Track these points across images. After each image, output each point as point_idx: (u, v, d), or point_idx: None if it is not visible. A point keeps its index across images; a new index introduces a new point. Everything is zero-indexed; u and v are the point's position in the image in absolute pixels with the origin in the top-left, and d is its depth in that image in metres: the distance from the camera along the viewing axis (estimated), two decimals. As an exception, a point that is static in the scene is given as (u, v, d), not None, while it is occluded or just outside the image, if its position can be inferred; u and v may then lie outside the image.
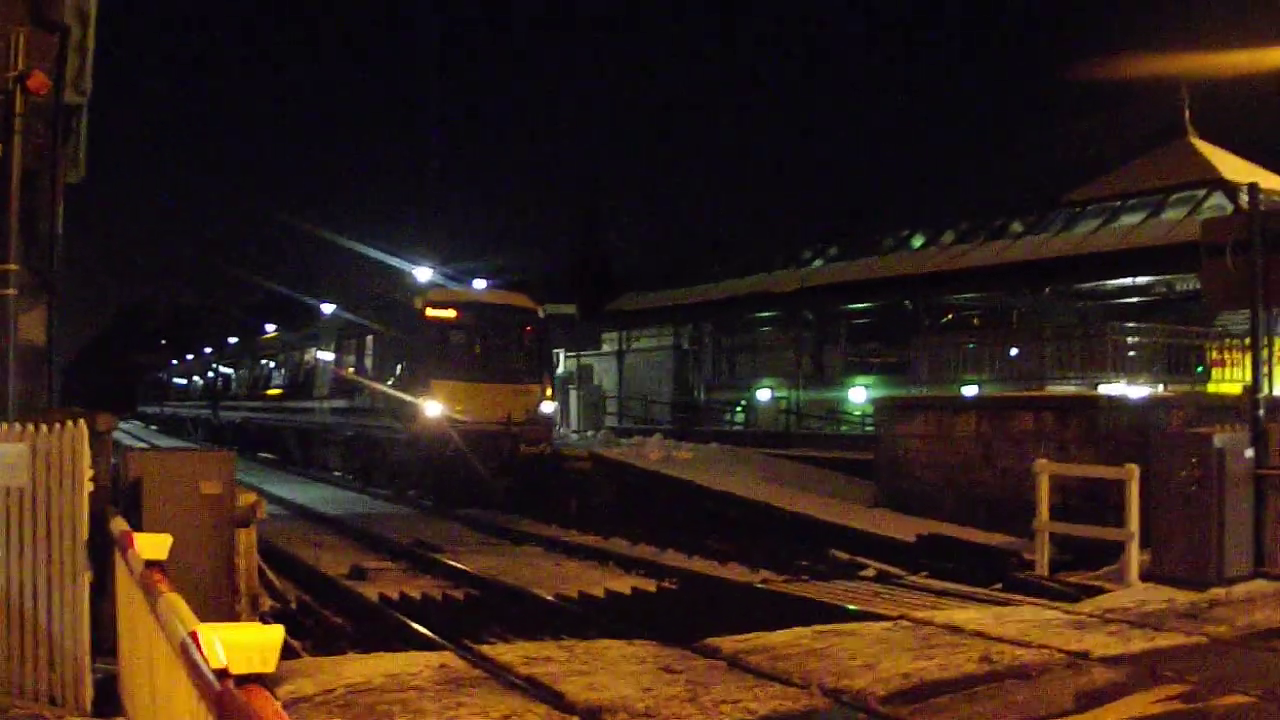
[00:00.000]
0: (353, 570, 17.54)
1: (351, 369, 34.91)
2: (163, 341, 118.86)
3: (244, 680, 3.45)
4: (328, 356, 37.54)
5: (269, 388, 47.34)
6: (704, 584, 16.76)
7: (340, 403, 35.13)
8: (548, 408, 31.47)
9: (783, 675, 9.72)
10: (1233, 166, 35.52)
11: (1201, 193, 33.77)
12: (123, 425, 77.43)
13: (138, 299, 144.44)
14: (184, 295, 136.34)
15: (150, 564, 6.14)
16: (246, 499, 10.40)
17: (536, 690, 9.10)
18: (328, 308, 42.60)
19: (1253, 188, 16.67)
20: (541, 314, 32.86)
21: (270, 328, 55.13)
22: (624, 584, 16.46)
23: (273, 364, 48.00)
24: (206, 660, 3.63)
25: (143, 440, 62.51)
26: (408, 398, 29.23)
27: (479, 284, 34.45)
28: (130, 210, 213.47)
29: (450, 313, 30.82)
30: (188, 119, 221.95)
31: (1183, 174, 35.27)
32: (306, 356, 41.28)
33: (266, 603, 12.62)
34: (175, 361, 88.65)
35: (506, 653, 10.53)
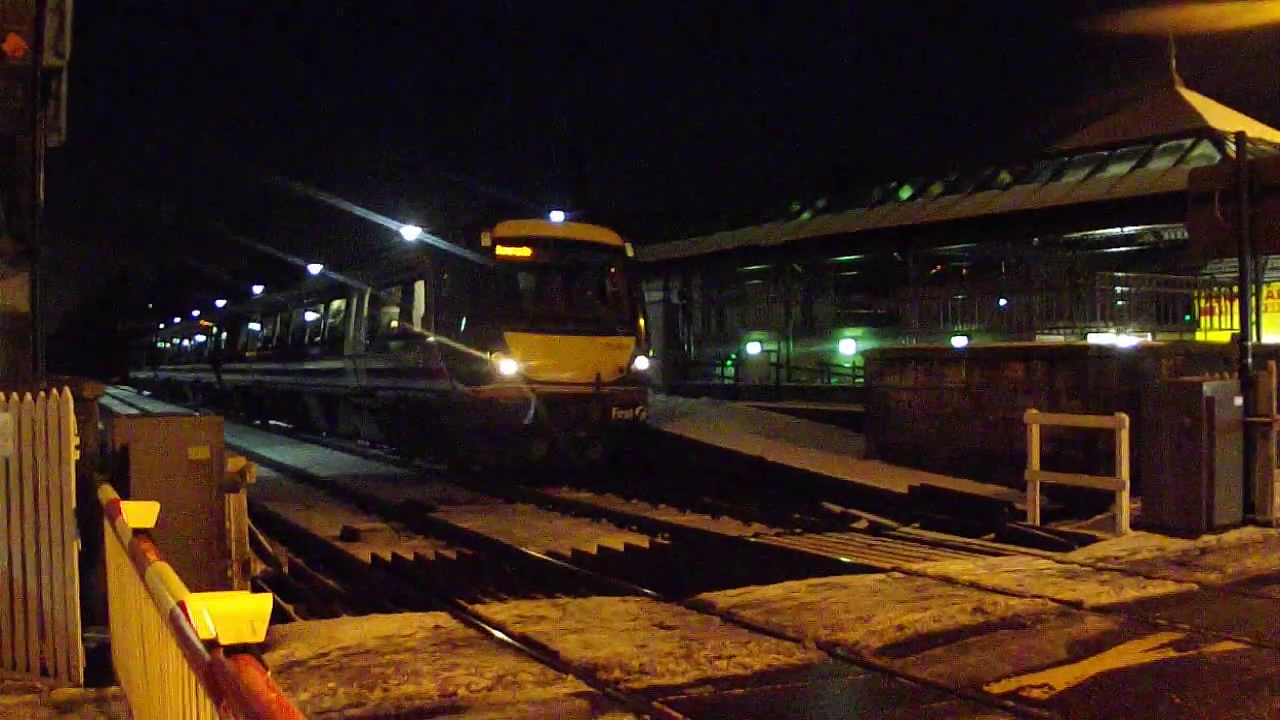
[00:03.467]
0: (344, 531, 17.52)
1: (394, 322, 29.23)
2: (149, 305, 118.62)
3: (233, 650, 3.42)
4: (363, 308, 31.31)
5: (285, 347, 41.08)
6: (697, 539, 16.77)
7: (380, 362, 29.55)
8: (643, 364, 25.96)
9: (777, 629, 9.74)
10: (1220, 115, 35.52)
11: (1189, 142, 33.70)
12: (112, 392, 77.04)
13: (124, 264, 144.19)
14: (171, 259, 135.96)
15: (139, 532, 6.11)
16: (235, 463, 10.35)
17: (531, 649, 9.11)
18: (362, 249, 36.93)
19: (1240, 136, 16.61)
20: (630, 251, 27.00)
21: (314, 268, 45.73)
22: (617, 540, 16.48)
23: (290, 320, 41.48)
24: (195, 631, 3.61)
25: (135, 407, 61.12)
26: (474, 354, 24.04)
27: (556, 216, 28.03)
28: (114, 174, 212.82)
29: (525, 250, 25.57)
30: (170, 80, 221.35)
31: (1170, 123, 35.23)
32: (335, 309, 35.23)
33: (258, 567, 12.60)
34: (169, 323, 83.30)
35: (500, 612, 10.54)
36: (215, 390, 55.63)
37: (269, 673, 3.26)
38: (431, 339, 25.49)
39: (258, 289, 54.64)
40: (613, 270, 26.77)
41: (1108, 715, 7.44)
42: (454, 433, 25.56)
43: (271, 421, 43.64)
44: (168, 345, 79.34)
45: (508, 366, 23.61)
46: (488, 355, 23.79)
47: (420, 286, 27.01)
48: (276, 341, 43.01)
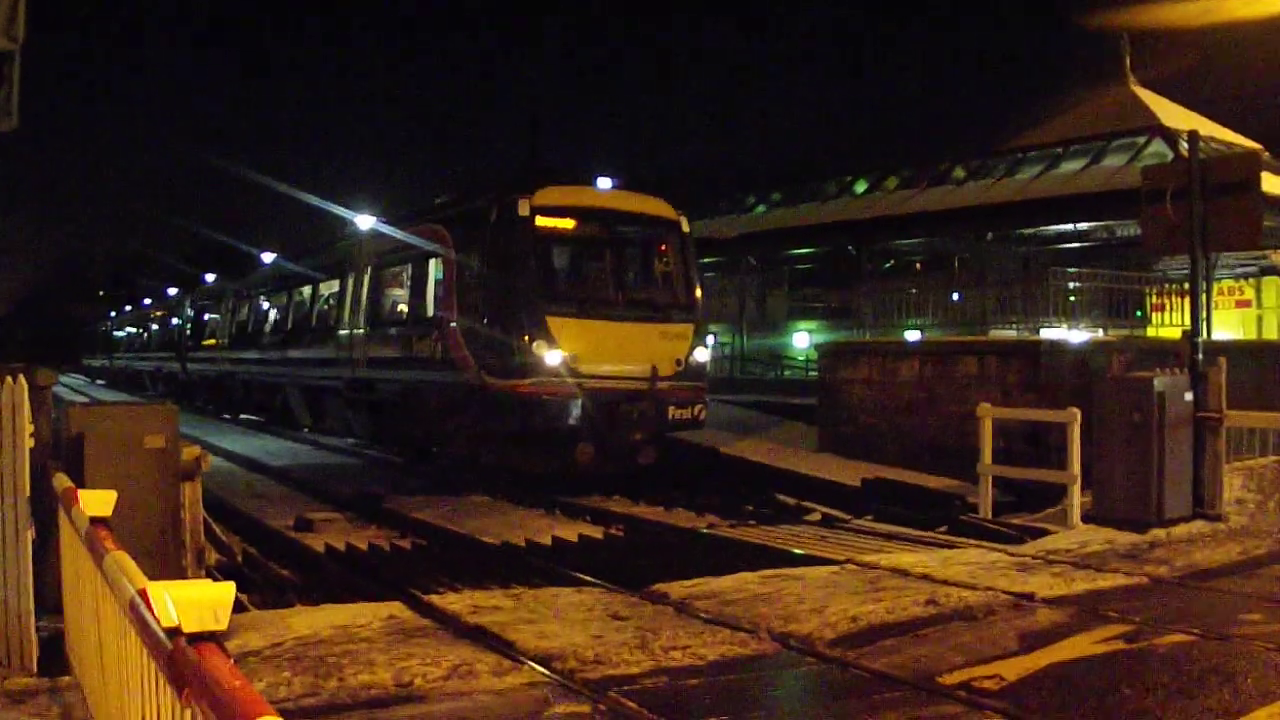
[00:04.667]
0: (298, 522, 17.47)
1: (402, 305, 25.73)
2: (100, 293, 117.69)
3: (196, 638, 3.42)
4: (361, 289, 27.14)
5: (263, 333, 36.95)
6: (650, 530, 16.79)
7: (382, 350, 25.77)
8: (703, 355, 22.24)
9: (731, 620, 9.78)
10: (1173, 114, 35.78)
11: (1142, 140, 34.00)
12: (63, 380, 75.76)
13: (75, 249, 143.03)
14: (124, 245, 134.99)
15: (96, 521, 6.09)
16: (191, 452, 10.33)
17: (486, 639, 9.12)
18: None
19: (1192, 135, 16.76)
20: (686, 226, 23.09)
21: (268, 257, 43.43)
22: (571, 531, 16.48)
23: (269, 304, 37.39)
24: (157, 619, 3.60)
25: (87, 397, 56.06)
26: (509, 341, 20.36)
27: (604, 183, 22.99)
28: (66, 160, 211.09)
29: (568, 221, 21.72)
30: (124, 64, 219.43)
31: (1123, 121, 35.48)
32: (324, 291, 31.18)
33: (213, 556, 12.58)
34: (126, 308, 79.92)
35: (455, 602, 10.55)
36: (179, 380, 51.93)
37: (232, 660, 3.27)
38: (453, 323, 21.60)
39: (267, 257, 48.47)
40: (667, 247, 22.93)
41: (1059, 706, 7.50)
42: (477, 434, 21.85)
43: (244, 416, 40.60)
44: (125, 332, 75.19)
45: (552, 357, 19.87)
46: (526, 343, 20.02)
47: (437, 263, 23.24)
48: (253, 328, 38.76)
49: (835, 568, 12.37)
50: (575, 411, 19.81)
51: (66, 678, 7.62)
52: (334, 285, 29.55)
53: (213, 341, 44.75)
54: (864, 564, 12.53)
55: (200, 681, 3.13)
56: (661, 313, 21.85)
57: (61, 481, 7.90)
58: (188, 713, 3.35)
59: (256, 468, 25.43)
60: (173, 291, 61.23)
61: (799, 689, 8.14)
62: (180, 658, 3.37)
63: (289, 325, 34.00)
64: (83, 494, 6.60)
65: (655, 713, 7.28)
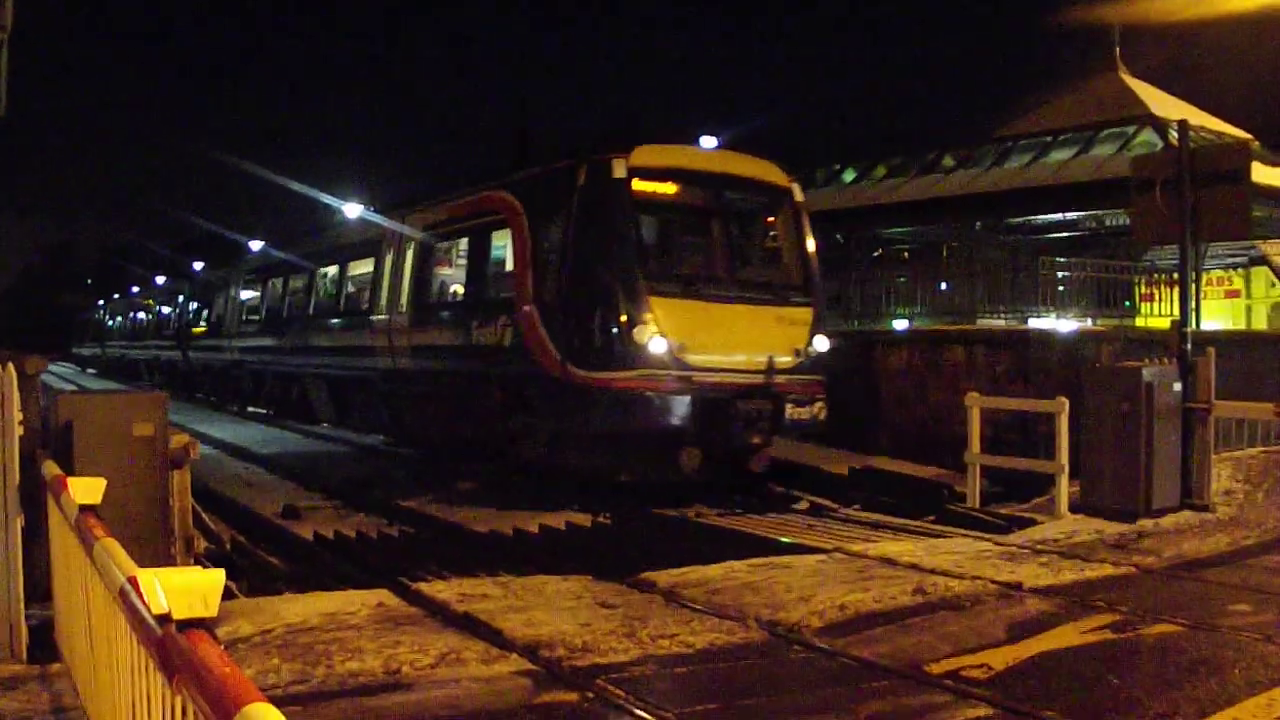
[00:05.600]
0: (286, 509, 17.46)
1: (457, 287, 23.14)
2: (88, 281, 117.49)
3: (186, 625, 3.43)
4: (403, 268, 24.08)
5: (279, 319, 33.81)
6: (638, 518, 16.78)
7: (431, 336, 22.65)
8: (823, 344, 18.90)
9: (719, 609, 9.80)
10: (1162, 103, 35.83)
11: (1131, 129, 34.02)
12: (53, 370, 74.96)
13: (65, 238, 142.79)
14: (113, 234, 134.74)
15: (85, 508, 6.09)
16: (179, 440, 10.32)
17: (474, 627, 9.13)
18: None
19: (1182, 124, 16.81)
20: (799, 194, 20.09)
21: (255, 245, 41.23)
22: (558, 519, 16.46)
23: (287, 287, 34.00)
24: (147, 605, 3.61)
25: (78, 387, 51.94)
26: (603, 326, 17.40)
27: (707, 141, 20.13)
28: (56, 148, 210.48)
29: (669, 186, 18.78)
30: (114, 52, 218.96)
31: (1113, 110, 35.52)
32: (355, 272, 28.18)
33: (201, 544, 12.57)
34: (122, 294, 75.66)
35: (443, 590, 10.55)
36: (179, 370, 48.87)
37: (221, 647, 3.28)
38: (528, 306, 18.68)
39: (204, 260, 49.00)
40: (781, 217, 20.01)
41: (1046, 695, 7.52)
42: (556, 435, 18.88)
43: (252, 409, 37.56)
44: (119, 319, 71.16)
45: (656, 345, 16.95)
46: (625, 329, 17.06)
47: (503, 237, 20.62)
48: (267, 314, 35.66)
49: (823, 556, 12.38)
50: (683, 410, 16.98)
51: (56, 665, 7.62)
52: (367, 265, 26.55)
53: (219, 328, 41.06)
54: (852, 553, 12.55)
55: (190, 668, 3.14)
56: (778, 294, 18.99)
57: (51, 469, 7.90)
58: (177, 699, 3.37)
59: (245, 456, 25.33)
60: (160, 280, 59.68)
61: (787, 677, 8.14)
62: (170, 644, 3.38)
63: (311, 310, 31.04)
64: (72, 482, 6.60)
65: (643, 701, 7.29)
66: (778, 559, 12.17)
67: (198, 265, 52.97)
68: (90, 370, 79.40)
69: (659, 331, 16.98)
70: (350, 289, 28.56)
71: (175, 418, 11.47)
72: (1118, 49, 38.51)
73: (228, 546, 14.48)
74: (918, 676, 7.98)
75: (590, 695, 7.47)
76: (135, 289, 70.46)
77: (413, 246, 23.84)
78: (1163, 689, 7.66)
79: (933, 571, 11.39)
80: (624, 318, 17.06)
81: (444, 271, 23.90)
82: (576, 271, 17.95)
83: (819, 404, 18.43)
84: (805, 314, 18.81)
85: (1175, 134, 18.74)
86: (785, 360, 17.98)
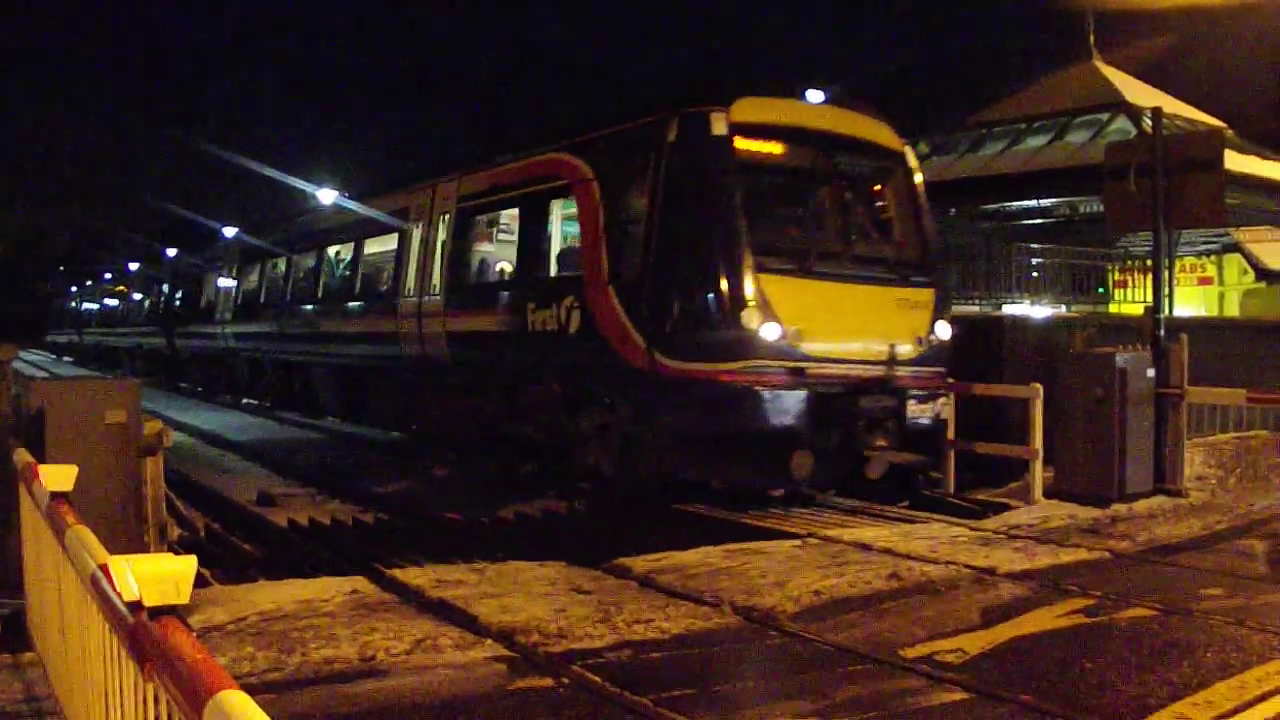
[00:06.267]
0: (260, 496, 17.42)
1: (505, 264, 21.03)
2: (61, 268, 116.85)
3: (158, 612, 3.42)
4: (433, 244, 21.32)
5: (281, 303, 30.81)
6: (614, 505, 16.76)
7: (471, 321, 19.74)
8: (945, 331, 16.29)
9: (694, 594, 9.81)
10: (1137, 91, 35.89)
11: (1105, 116, 34.08)
12: (27, 358, 74.08)
13: (37, 225, 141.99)
14: (84, 220, 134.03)
15: (56, 496, 6.06)
16: (153, 427, 10.29)
17: (449, 613, 9.13)
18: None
19: (1156, 111, 16.83)
20: (914, 159, 17.66)
21: (229, 231, 38.38)
22: (534, 506, 16.44)
23: (289, 267, 30.95)
24: (119, 593, 3.59)
25: (49, 374, 50.17)
26: (703, 310, 14.84)
27: (814, 95, 16.44)
28: (25, 134, 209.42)
29: (776, 145, 16.08)
30: (84, 38, 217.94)
31: (1087, 97, 35.57)
32: (372, 250, 25.62)
33: (175, 532, 12.54)
34: (99, 279, 72.52)
35: (418, 577, 10.54)
36: (164, 358, 46.43)
37: (194, 634, 3.26)
38: (603, 285, 16.11)
39: (183, 244, 46.49)
40: (895, 184, 17.20)
41: (1020, 679, 7.55)
42: (638, 437, 16.30)
43: (247, 401, 35.37)
44: (97, 305, 68.44)
45: (768, 331, 14.42)
46: (731, 311, 14.50)
47: (566, 206, 18.34)
48: (265, 297, 32.73)
49: (798, 542, 12.40)
50: (799, 408, 14.48)
51: (29, 654, 7.60)
52: (388, 242, 24.09)
53: (210, 314, 37.88)
54: (826, 538, 12.58)
55: (162, 655, 3.13)
56: (897, 273, 16.30)
57: (22, 457, 7.87)
58: (150, 686, 3.35)
59: (220, 443, 25.25)
60: (141, 264, 57.37)
61: (762, 662, 8.16)
62: (142, 631, 3.36)
63: (320, 293, 28.13)
64: (43, 469, 6.57)
65: (619, 686, 7.29)
66: (753, 545, 12.18)
67: (183, 247, 49.00)
68: (67, 358, 77.27)
69: (771, 315, 14.44)
70: (368, 269, 25.84)
71: (161, 410, 11.39)
72: (1092, 37, 38.57)
73: (202, 534, 14.45)
74: (892, 661, 8.01)
75: (566, 681, 7.47)
76: (111, 274, 69.11)
77: (447, 220, 21.03)
78: (1136, 672, 7.69)
79: (907, 557, 11.43)
80: (730, 299, 14.47)
81: (485, 248, 21.70)
82: (668, 245, 15.29)
83: (942, 400, 15.99)
84: (927, 296, 16.27)
85: (1149, 122, 18.75)
86: (907, 350, 15.57)
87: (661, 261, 15.26)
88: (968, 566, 11.01)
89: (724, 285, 14.52)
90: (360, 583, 10.20)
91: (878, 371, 15.17)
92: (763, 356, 14.36)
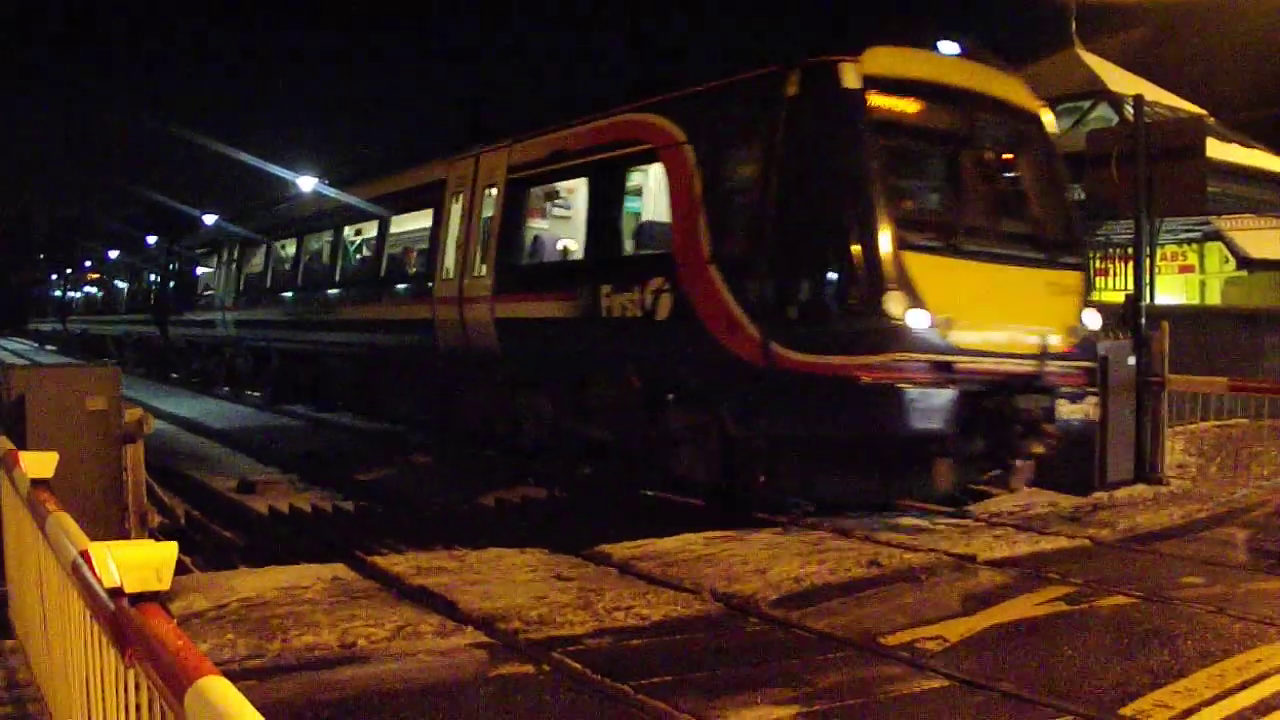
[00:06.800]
0: (241, 483, 17.39)
1: (570, 241, 18.77)
2: (40, 256, 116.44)
3: (139, 598, 3.41)
4: (474, 218, 19.21)
5: (291, 288, 28.61)
6: (594, 492, 16.75)
7: (527, 306, 17.64)
8: (1093, 320, 14.16)
9: (674, 581, 9.82)
10: (1118, 79, 35.92)
11: (1087, 104, 34.13)
12: (9, 346, 73.41)
13: (13, 213, 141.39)
14: (62, 208, 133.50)
15: (37, 482, 6.05)
16: (133, 414, 10.27)
17: (430, 600, 9.12)
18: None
19: (1138, 99, 16.87)
20: (1052, 124, 15.30)
21: (209, 219, 37.13)
22: (515, 493, 16.42)
23: (301, 250, 28.64)
24: (100, 580, 3.59)
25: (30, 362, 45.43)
26: (835, 293, 12.79)
27: (947, 47, 14.20)
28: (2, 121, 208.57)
29: (913, 104, 13.73)
30: (63, 26, 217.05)
31: (1069, 85, 35.57)
32: (400, 229, 23.57)
33: (155, 519, 12.52)
34: (85, 266, 70.61)
35: (399, 564, 10.54)
36: (156, 347, 44.24)
37: (175, 621, 3.26)
38: (702, 264, 13.99)
39: (205, 219, 42.61)
40: (1034, 152, 14.86)
41: (1001, 667, 7.57)
42: (745, 440, 14.09)
43: (250, 393, 33.35)
44: (83, 291, 66.50)
45: (915, 319, 12.23)
46: (871, 295, 12.33)
47: (649, 173, 16.67)
48: (273, 282, 30.44)
49: (778, 529, 12.42)
50: (948, 409, 12.41)
51: (10, 641, 7.58)
52: (421, 219, 21.94)
53: (209, 301, 35.63)
54: (806, 525, 12.59)
55: (143, 642, 3.13)
56: (1047, 253, 14.14)
57: (2, 444, 7.84)
58: (131, 673, 3.35)
59: (200, 430, 25.19)
60: (131, 249, 56.08)
61: (742, 649, 8.16)
62: (123, 618, 3.36)
63: (337, 277, 25.86)
64: (24, 456, 6.56)
65: (599, 673, 7.30)
66: (733, 532, 12.18)
67: (174, 231, 47.89)
68: (49, 347, 75.01)
69: (917, 301, 12.30)
70: (394, 250, 23.59)
71: (153, 401, 11.34)
72: (1073, 24, 38.58)
73: (183, 521, 14.43)
74: (873, 648, 8.02)
75: (546, 667, 7.48)
76: (89, 262, 68.34)
77: (495, 193, 18.71)
78: (1116, 660, 7.71)
79: (888, 544, 11.46)
80: (870, 281, 12.34)
81: (542, 224, 19.64)
82: (790, 218, 13.12)
83: (1092, 401, 14.32)
84: (1075, 280, 14.19)
85: (1131, 109, 18.77)
86: (1057, 341, 13.44)
87: (781, 237, 13.09)
88: (948, 554, 11.04)
89: (862, 264, 12.39)
90: (341, 570, 10.19)
91: (1029, 366, 13.09)
92: (907, 349, 12.18)
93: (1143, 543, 11.94)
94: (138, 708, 3.38)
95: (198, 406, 30.75)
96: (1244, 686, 7.17)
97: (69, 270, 74.89)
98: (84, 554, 4.01)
